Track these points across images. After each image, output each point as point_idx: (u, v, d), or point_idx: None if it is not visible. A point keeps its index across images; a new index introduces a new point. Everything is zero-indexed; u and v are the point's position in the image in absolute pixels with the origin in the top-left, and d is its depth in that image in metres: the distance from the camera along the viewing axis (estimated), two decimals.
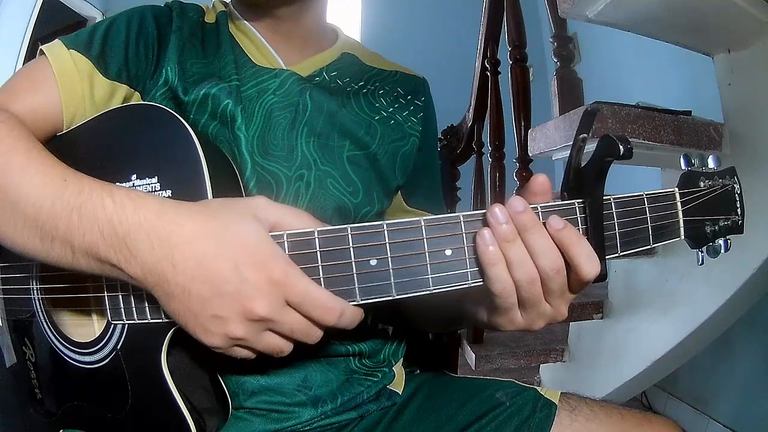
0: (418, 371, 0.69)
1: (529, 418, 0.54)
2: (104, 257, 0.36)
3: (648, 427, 0.54)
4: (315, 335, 0.38)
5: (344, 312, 0.37)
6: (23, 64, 2.59)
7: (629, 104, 1.05)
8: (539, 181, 0.39)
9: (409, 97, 0.65)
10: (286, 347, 0.38)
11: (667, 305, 1.23)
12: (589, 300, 1.43)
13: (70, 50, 0.50)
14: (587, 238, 0.38)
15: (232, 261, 0.35)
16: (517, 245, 0.37)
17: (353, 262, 0.37)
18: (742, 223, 0.45)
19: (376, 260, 0.37)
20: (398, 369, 0.64)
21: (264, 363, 0.52)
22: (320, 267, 0.37)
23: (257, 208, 0.38)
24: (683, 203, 0.42)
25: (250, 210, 0.37)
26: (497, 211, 0.36)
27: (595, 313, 1.42)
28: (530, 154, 1.31)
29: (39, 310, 0.50)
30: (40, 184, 0.38)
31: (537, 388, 0.58)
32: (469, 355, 1.51)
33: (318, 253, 0.37)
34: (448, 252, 0.37)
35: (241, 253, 0.35)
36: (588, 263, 0.37)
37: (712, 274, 1.11)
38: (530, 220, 0.37)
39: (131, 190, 0.38)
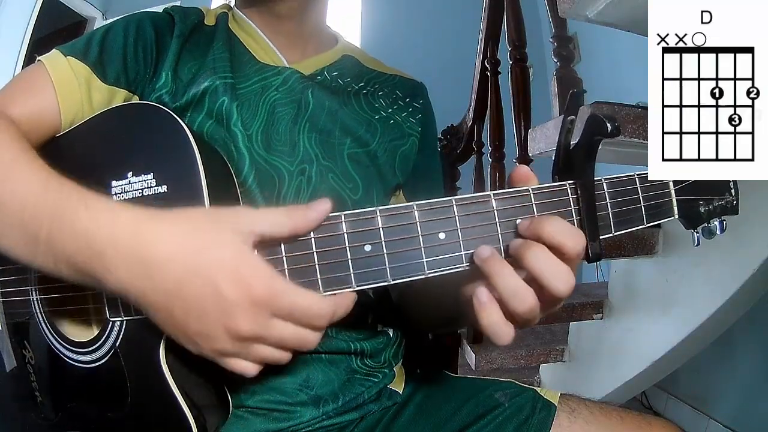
0: (418, 371, 0.69)
1: (528, 419, 0.54)
2: (82, 269, 0.36)
3: (648, 430, 0.54)
4: (310, 340, 0.37)
5: (336, 311, 0.36)
6: (23, 64, 2.60)
7: (629, 104, 1.05)
8: (522, 171, 0.40)
9: (407, 100, 0.66)
10: (283, 356, 0.37)
11: (667, 305, 1.23)
12: (589, 300, 1.42)
13: (68, 57, 0.51)
14: (579, 219, 0.39)
15: (210, 281, 0.34)
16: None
17: (347, 248, 0.37)
18: (737, 204, 0.45)
19: (370, 246, 0.37)
20: (398, 368, 0.64)
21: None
22: (315, 254, 0.37)
23: (239, 221, 0.36)
24: (675, 182, 0.43)
25: (231, 224, 0.35)
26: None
27: (595, 313, 1.42)
28: (530, 154, 1.30)
29: (37, 311, 0.50)
30: (26, 181, 0.39)
31: (536, 388, 0.58)
32: (469, 355, 1.50)
33: (312, 240, 0.37)
34: (442, 235, 0.37)
35: (219, 272, 0.33)
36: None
37: (712, 274, 1.11)
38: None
39: (109, 201, 0.38)
